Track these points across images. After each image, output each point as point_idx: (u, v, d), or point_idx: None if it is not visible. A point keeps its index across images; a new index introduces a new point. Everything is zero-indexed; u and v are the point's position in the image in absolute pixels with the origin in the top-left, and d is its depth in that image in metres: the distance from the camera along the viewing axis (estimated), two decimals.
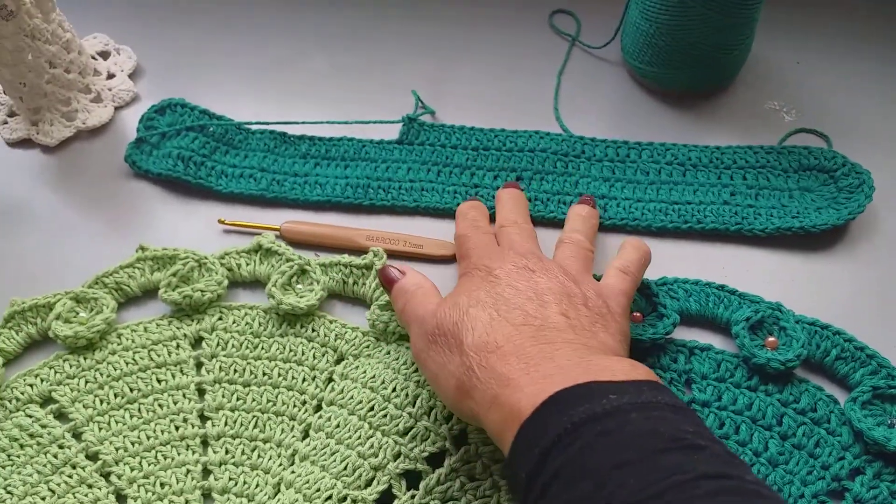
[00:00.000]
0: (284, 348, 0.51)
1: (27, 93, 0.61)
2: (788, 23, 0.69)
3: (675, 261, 0.55)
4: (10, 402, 0.50)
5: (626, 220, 0.57)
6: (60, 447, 0.48)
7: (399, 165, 0.60)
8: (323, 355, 0.51)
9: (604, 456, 0.33)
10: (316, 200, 0.58)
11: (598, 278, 0.49)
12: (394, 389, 0.49)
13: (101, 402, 0.50)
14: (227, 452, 0.48)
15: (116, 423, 0.49)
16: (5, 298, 0.53)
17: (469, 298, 0.44)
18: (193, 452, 0.48)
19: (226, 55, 0.69)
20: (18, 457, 0.48)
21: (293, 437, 0.48)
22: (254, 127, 0.62)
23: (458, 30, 0.70)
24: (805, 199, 0.57)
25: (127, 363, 0.51)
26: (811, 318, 0.51)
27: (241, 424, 0.49)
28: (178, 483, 0.47)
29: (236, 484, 0.47)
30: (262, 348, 0.51)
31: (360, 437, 0.47)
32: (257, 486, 0.47)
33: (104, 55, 0.68)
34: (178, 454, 0.48)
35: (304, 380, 0.50)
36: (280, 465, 0.47)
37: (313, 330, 0.52)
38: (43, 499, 0.46)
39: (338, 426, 0.48)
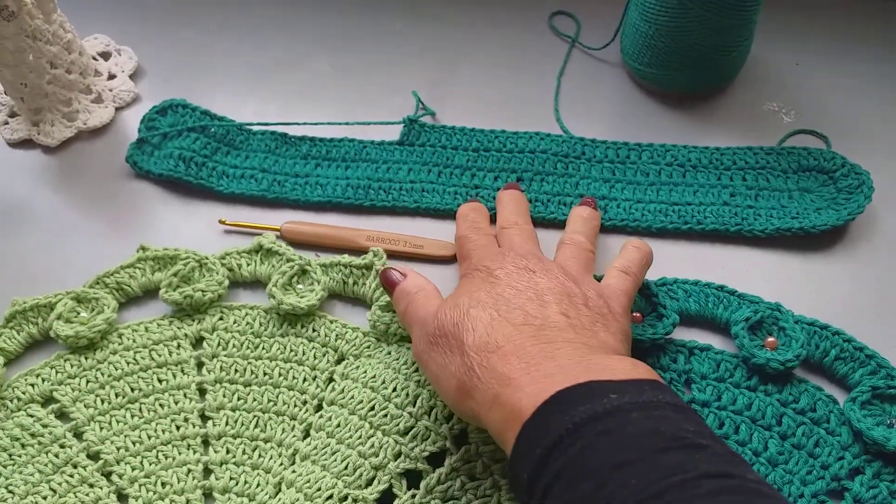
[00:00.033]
0: (285, 348, 0.52)
1: (28, 93, 0.61)
2: (787, 24, 0.70)
3: (675, 261, 0.55)
4: (11, 401, 0.50)
5: (626, 221, 0.57)
6: (62, 446, 0.48)
7: (400, 166, 0.60)
8: (323, 355, 0.51)
9: (605, 456, 0.33)
10: (317, 201, 0.58)
11: (598, 279, 0.49)
12: (394, 389, 0.49)
13: (103, 401, 0.50)
14: (227, 452, 0.48)
15: (118, 422, 0.49)
16: (7, 298, 0.53)
17: (470, 299, 0.44)
18: (194, 452, 0.48)
19: (226, 56, 0.69)
20: (20, 456, 0.48)
21: (294, 436, 0.48)
22: (255, 128, 0.62)
23: (459, 31, 0.71)
24: (805, 199, 0.57)
25: (128, 363, 0.51)
26: (810, 318, 0.51)
27: (242, 424, 0.49)
28: (179, 482, 0.47)
29: (237, 483, 0.47)
30: (263, 348, 0.52)
31: (360, 437, 0.47)
32: (258, 485, 0.47)
33: (105, 56, 0.68)
34: (180, 454, 0.48)
35: (304, 380, 0.50)
36: (281, 464, 0.47)
37: (314, 330, 0.52)
38: (44, 498, 0.46)
39: (338, 426, 0.48)
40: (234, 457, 0.48)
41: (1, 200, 0.60)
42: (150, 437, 0.48)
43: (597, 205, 0.55)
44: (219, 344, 0.52)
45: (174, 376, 0.51)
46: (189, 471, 0.47)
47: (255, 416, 0.49)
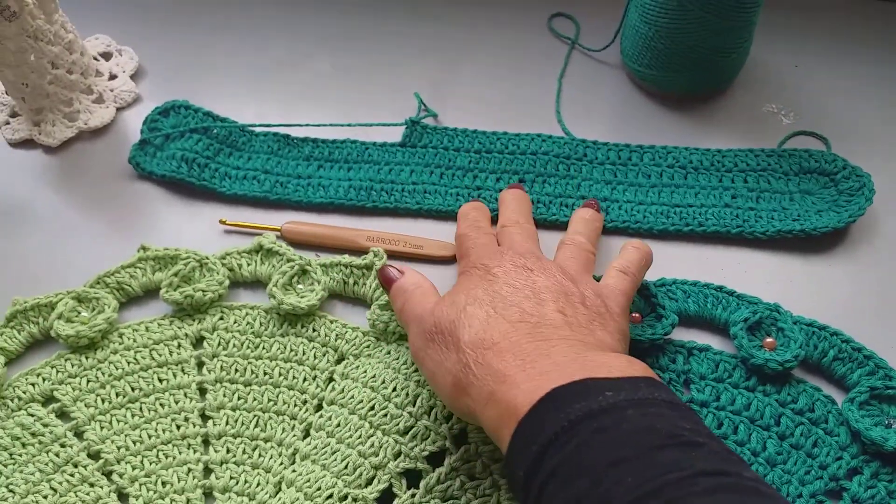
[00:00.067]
0: (285, 348, 0.52)
1: (29, 93, 0.61)
2: (787, 26, 0.70)
3: (676, 263, 0.55)
4: (12, 400, 0.50)
5: (627, 222, 0.57)
6: (62, 446, 0.48)
7: (402, 168, 0.60)
8: (324, 355, 0.51)
9: (601, 453, 0.33)
10: (319, 202, 0.58)
11: (597, 279, 0.49)
12: (394, 389, 0.49)
13: (103, 401, 0.50)
14: (228, 451, 0.48)
15: (118, 421, 0.49)
16: (8, 298, 0.53)
17: (467, 296, 0.44)
18: (195, 451, 0.48)
19: (228, 56, 0.69)
20: (20, 455, 0.48)
21: (294, 436, 0.48)
22: (257, 129, 0.62)
23: (459, 32, 0.71)
24: (806, 201, 0.57)
25: (128, 362, 0.51)
26: (809, 318, 0.51)
27: (243, 423, 0.49)
28: (179, 482, 0.47)
29: (237, 483, 0.47)
30: (263, 348, 0.52)
31: (360, 437, 0.47)
32: (258, 484, 0.47)
33: (106, 56, 0.68)
34: (180, 453, 0.48)
35: (304, 379, 0.50)
36: (281, 463, 0.48)
37: (314, 330, 0.52)
38: (45, 497, 0.46)
39: (338, 425, 0.48)
40: (235, 456, 0.48)
41: (2, 200, 0.60)
42: (150, 437, 0.48)
43: (600, 207, 0.56)
44: (219, 344, 0.52)
45: (174, 376, 0.51)
46: (189, 470, 0.47)
47: (255, 416, 0.49)
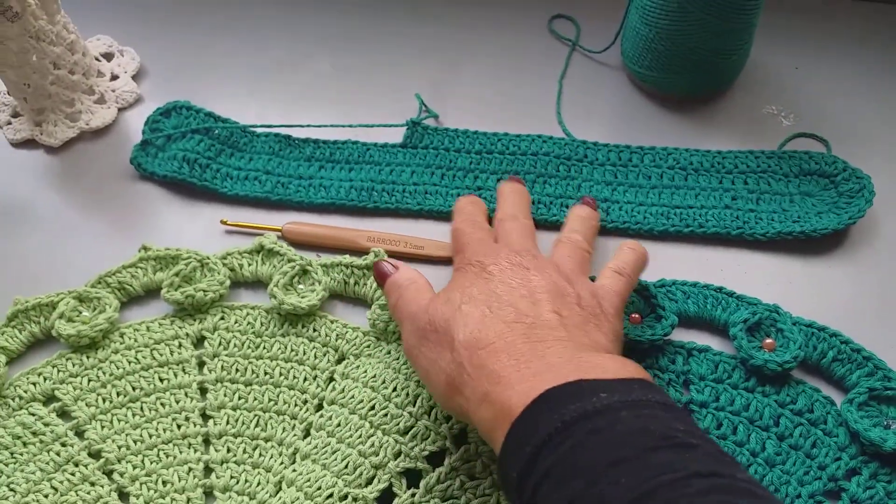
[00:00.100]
0: (286, 348, 0.52)
1: (31, 94, 0.61)
2: (787, 28, 0.70)
3: (676, 264, 0.55)
4: (13, 400, 0.50)
5: (628, 223, 0.57)
6: (63, 445, 0.48)
7: (403, 169, 0.60)
8: (324, 355, 0.51)
9: (595, 454, 0.33)
10: (320, 203, 0.59)
11: (592, 279, 0.49)
12: (394, 389, 0.49)
13: (104, 400, 0.50)
14: (228, 451, 0.48)
15: (119, 421, 0.49)
16: (9, 297, 0.53)
17: (462, 295, 0.44)
18: (195, 451, 0.48)
19: (229, 57, 0.69)
20: (21, 454, 0.48)
21: (294, 435, 0.49)
22: (258, 130, 0.62)
23: (460, 33, 0.71)
24: (806, 203, 0.57)
25: (129, 362, 0.51)
26: (808, 320, 0.51)
27: (243, 423, 0.49)
28: (179, 481, 0.47)
29: (238, 482, 0.47)
30: (264, 348, 0.52)
31: (360, 436, 0.48)
32: (259, 484, 0.47)
33: (108, 57, 0.68)
34: (180, 452, 0.48)
35: (305, 379, 0.51)
36: (281, 463, 0.48)
37: (314, 330, 0.52)
38: (46, 496, 0.46)
39: (339, 425, 0.48)
40: (235, 455, 0.48)
41: (4, 200, 0.60)
42: (151, 436, 0.49)
43: (597, 205, 0.55)
44: (220, 343, 0.52)
45: (175, 375, 0.51)
46: (190, 469, 0.48)
47: (255, 416, 0.49)
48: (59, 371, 0.51)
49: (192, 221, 0.59)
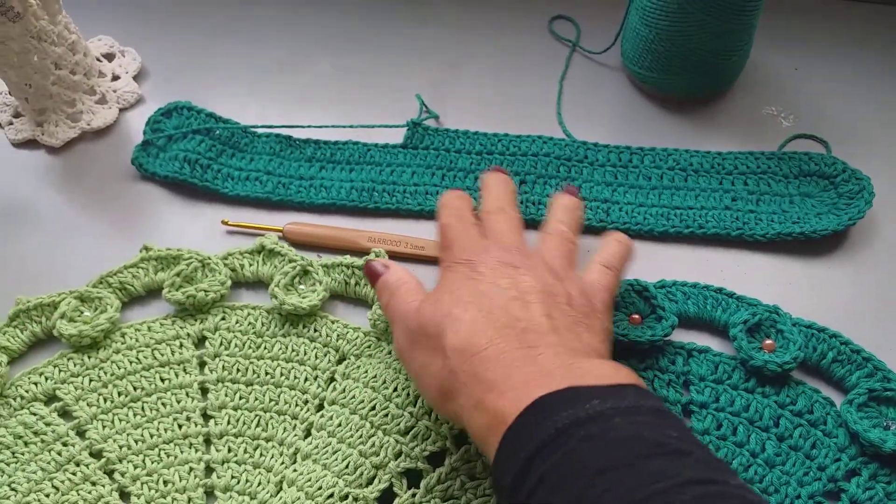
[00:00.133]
0: (287, 348, 0.52)
1: (33, 94, 0.61)
2: (787, 29, 0.70)
3: (676, 265, 0.56)
4: (14, 399, 0.50)
5: (628, 224, 0.57)
6: (64, 445, 0.48)
7: (403, 169, 0.60)
8: (325, 355, 0.52)
9: (588, 462, 0.33)
10: (321, 203, 0.59)
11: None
12: (395, 389, 0.49)
13: (105, 400, 0.50)
14: (229, 451, 0.48)
15: (120, 421, 0.49)
16: (10, 297, 0.53)
17: (451, 297, 0.43)
18: (196, 451, 0.48)
19: (230, 58, 0.69)
20: (23, 454, 0.48)
21: (295, 435, 0.49)
22: (259, 130, 0.63)
23: (460, 34, 0.71)
24: (805, 204, 0.57)
25: (131, 362, 0.51)
26: (808, 320, 0.51)
27: (244, 423, 0.49)
28: (181, 481, 0.47)
29: (239, 482, 0.47)
30: (265, 348, 0.52)
31: (361, 436, 0.48)
32: (259, 484, 0.47)
33: (109, 57, 0.69)
34: (181, 452, 0.48)
35: (306, 379, 0.51)
36: (282, 463, 0.48)
37: (315, 330, 0.52)
38: (47, 496, 0.46)
39: (339, 425, 0.48)
40: (236, 455, 0.48)
41: (5, 200, 0.60)
42: (152, 436, 0.49)
43: (579, 193, 0.53)
44: (221, 343, 0.52)
45: (176, 375, 0.51)
46: (191, 469, 0.48)
47: (256, 416, 0.49)
48: (60, 371, 0.51)
49: (194, 222, 0.59)
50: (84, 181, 0.61)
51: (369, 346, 0.52)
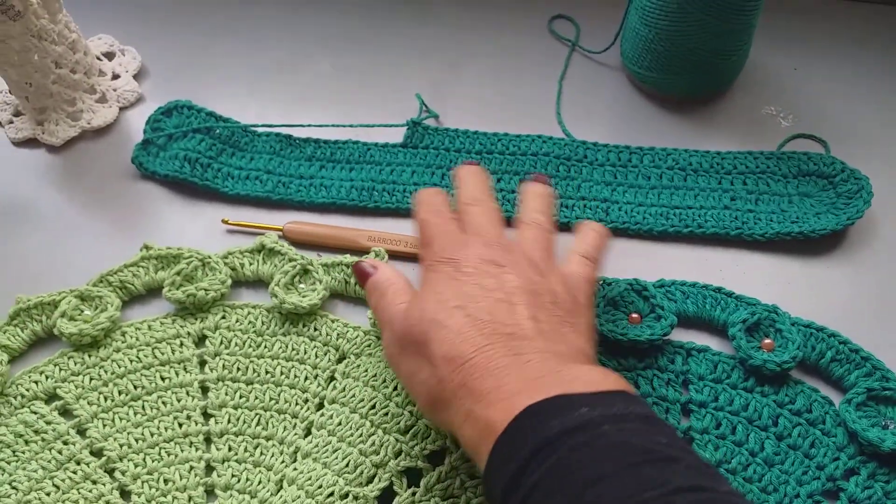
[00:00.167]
0: (287, 347, 0.52)
1: (33, 93, 0.61)
2: (786, 29, 0.70)
3: (675, 264, 0.56)
4: (15, 398, 0.50)
5: (627, 224, 0.57)
6: (65, 443, 0.48)
7: (403, 168, 0.60)
8: (325, 354, 0.52)
9: (578, 471, 0.33)
10: (321, 203, 0.59)
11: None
12: (395, 388, 0.49)
13: (106, 398, 0.50)
14: (230, 449, 0.48)
15: (121, 419, 0.49)
16: (11, 296, 0.53)
17: (436, 301, 0.42)
18: (197, 449, 0.48)
19: (230, 57, 0.69)
20: (23, 453, 0.48)
21: (295, 434, 0.49)
22: (259, 129, 0.63)
23: (460, 34, 0.71)
24: (804, 204, 0.58)
25: (131, 361, 0.51)
26: (807, 320, 0.51)
27: (244, 422, 0.49)
28: (181, 479, 0.47)
29: (239, 480, 0.47)
30: (265, 347, 0.52)
31: (361, 435, 0.48)
32: (260, 482, 0.47)
33: (109, 56, 0.69)
34: (182, 451, 0.48)
35: (306, 378, 0.51)
36: (282, 461, 0.48)
37: (315, 329, 0.53)
38: (48, 494, 0.47)
39: (340, 424, 0.48)
40: (236, 454, 0.48)
41: (5, 199, 0.60)
42: (152, 435, 0.49)
43: (549, 181, 0.52)
44: (221, 342, 0.52)
45: (177, 374, 0.51)
46: (191, 468, 0.48)
47: (256, 414, 0.50)
48: (60, 369, 0.51)
49: (194, 221, 0.59)
50: (84, 180, 0.61)
51: (369, 345, 0.52)
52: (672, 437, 0.36)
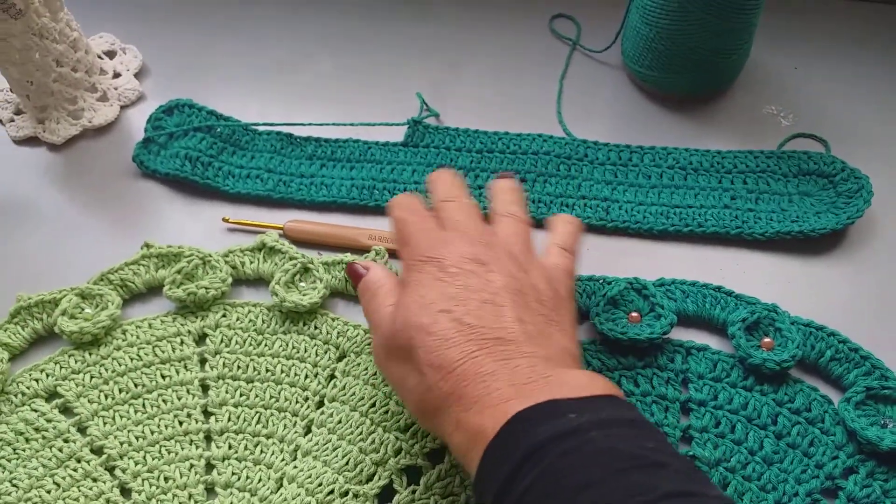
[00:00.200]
0: (287, 345, 0.52)
1: (34, 91, 0.62)
2: (787, 28, 0.70)
3: (675, 263, 0.56)
4: (15, 396, 0.50)
5: (627, 223, 0.57)
6: (65, 441, 0.48)
7: (404, 167, 0.61)
8: (325, 352, 0.52)
9: (567, 478, 0.33)
10: (322, 201, 0.59)
11: None
12: None
13: (106, 396, 0.50)
14: (230, 447, 0.48)
15: (121, 417, 0.49)
16: (11, 294, 0.53)
17: (421, 305, 0.41)
18: (197, 447, 0.49)
19: (231, 56, 0.69)
20: (24, 450, 0.48)
21: (296, 432, 0.49)
22: (260, 128, 0.63)
23: (461, 33, 0.71)
24: (804, 203, 0.58)
25: (131, 359, 0.52)
26: (806, 319, 0.51)
27: (245, 420, 0.49)
28: (181, 477, 0.47)
29: (239, 478, 0.47)
30: (266, 345, 0.52)
31: (361, 433, 0.48)
32: (260, 480, 0.47)
33: (110, 54, 0.69)
34: (182, 449, 0.48)
35: (306, 376, 0.51)
36: (283, 459, 0.48)
37: (316, 327, 0.53)
38: (48, 492, 0.47)
39: (340, 422, 0.49)
40: (237, 452, 0.48)
41: (6, 198, 0.60)
42: (153, 433, 0.49)
43: (515, 177, 0.52)
44: (221, 340, 0.52)
45: (177, 372, 0.51)
46: (191, 466, 0.48)
47: (257, 413, 0.50)
48: (61, 367, 0.51)
49: (194, 219, 0.59)
50: (85, 178, 0.61)
51: (369, 344, 0.52)
52: (660, 441, 0.36)
